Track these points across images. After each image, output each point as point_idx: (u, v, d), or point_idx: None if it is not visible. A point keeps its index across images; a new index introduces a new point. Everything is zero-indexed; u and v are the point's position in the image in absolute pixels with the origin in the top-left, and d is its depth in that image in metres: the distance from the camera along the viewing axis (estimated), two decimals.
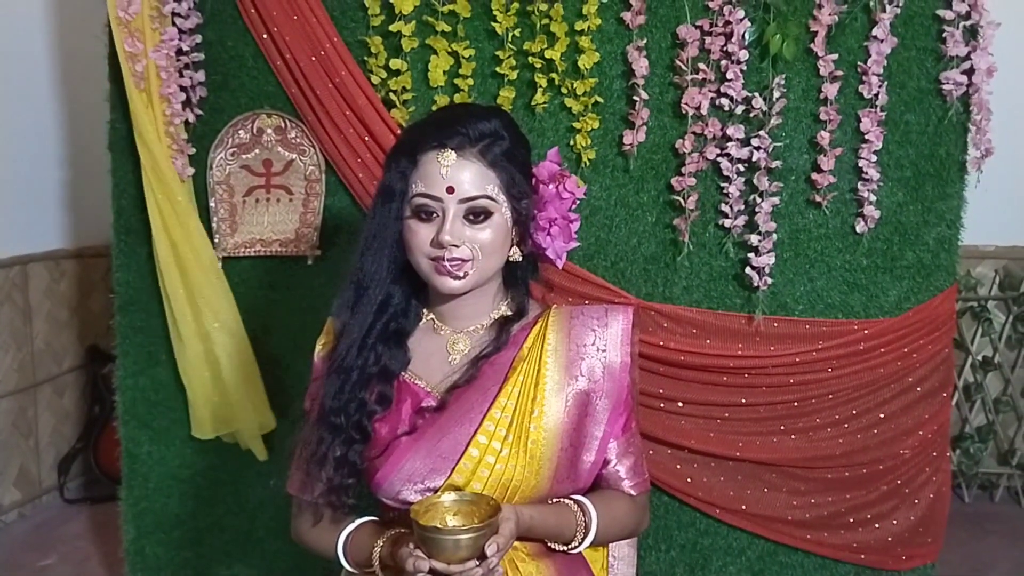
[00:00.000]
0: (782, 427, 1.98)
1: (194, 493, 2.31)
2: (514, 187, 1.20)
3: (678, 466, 2.02)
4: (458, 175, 1.17)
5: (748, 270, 1.90)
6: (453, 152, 1.17)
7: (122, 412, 2.30)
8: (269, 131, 2.10)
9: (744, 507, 2.01)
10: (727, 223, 1.90)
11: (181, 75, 2.04)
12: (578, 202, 1.27)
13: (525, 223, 1.23)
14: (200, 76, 2.06)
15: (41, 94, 3.22)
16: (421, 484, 1.19)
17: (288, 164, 2.10)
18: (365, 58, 1.99)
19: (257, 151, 2.11)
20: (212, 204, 2.12)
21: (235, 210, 2.13)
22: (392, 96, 1.98)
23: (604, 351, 1.25)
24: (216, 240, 2.12)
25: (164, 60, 2.01)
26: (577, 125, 1.93)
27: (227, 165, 2.12)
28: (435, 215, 1.19)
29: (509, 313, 1.28)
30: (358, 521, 1.25)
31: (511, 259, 1.25)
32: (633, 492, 1.29)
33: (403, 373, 1.26)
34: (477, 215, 1.18)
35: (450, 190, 1.16)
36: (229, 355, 2.09)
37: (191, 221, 2.07)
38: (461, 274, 1.18)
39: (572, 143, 1.95)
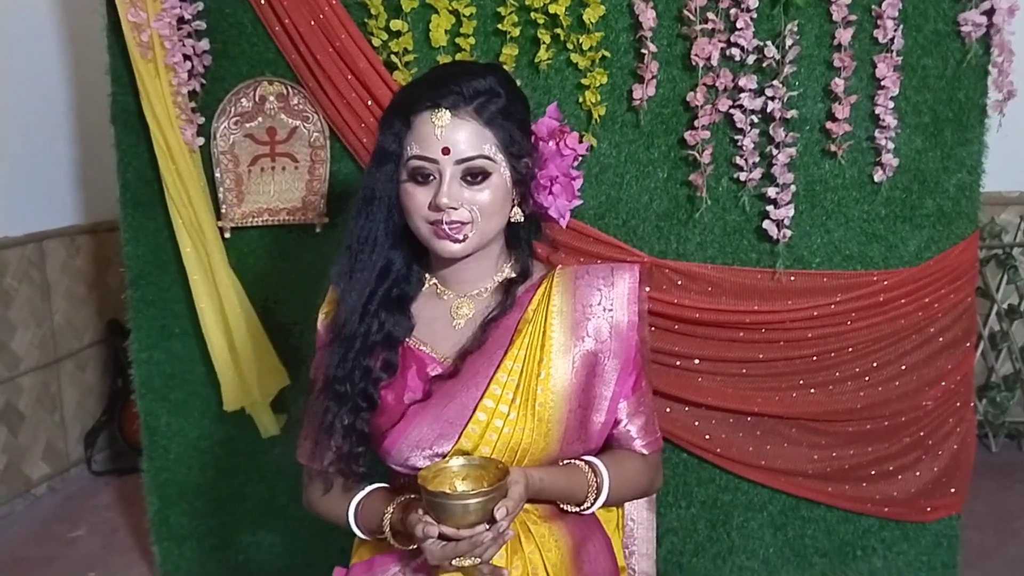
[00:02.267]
0: (801, 382, 1.95)
1: (214, 463, 2.32)
2: (512, 145, 1.17)
3: (696, 423, 2.00)
4: (453, 135, 1.14)
5: (766, 223, 1.86)
6: (447, 111, 1.14)
7: (139, 385, 2.31)
8: (271, 98, 2.07)
9: (764, 462, 1.99)
10: (742, 176, 1.86)
11: (184, 44, 2.01)
12: (580, 158, 1.24)
13: (526, 182, 1.20)
14: (204, 44, 2.03)
15: (50, 70, 3.20)
16: (429, 450, 1.18)
17: (292, 131, 2.08)
18: (365, 20, 1.95)
19: (260, 119, 2.08)
20: (217, 174, 2.10)
21: (241, 180, 2.11)
22: (394, 58, 1.94)
23: (611, 311, 1.22)
24: (223, 211, 2.10)
25: (167, 29, 1.98)
26: (585, 81, 1.88)
27: (231, 134, 2.09)
28: (432, 177, 1.16)
29: (513, 275, 1.25)
30: (368, 488, 1.24)
31: (513, 220, 1.22)
32: (645, 451, 1.27)
33: (408, 339, 1.24)
34: (475, 176, 1.15)
35: (446, 151, 1.13)
36: (239, 326, 2.09)
37: (200, 192, 2.05)
38: (460, 237, 1.15)
39: (580, 100, 1.90)
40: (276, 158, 2.10)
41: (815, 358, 1.93)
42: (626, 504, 1.38)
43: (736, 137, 1.84)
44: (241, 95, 2.08)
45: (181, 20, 2.00)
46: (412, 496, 1.16)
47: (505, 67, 1.87)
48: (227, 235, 2.12)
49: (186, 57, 2.00)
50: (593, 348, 1.21)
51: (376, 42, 1.94)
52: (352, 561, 1.28)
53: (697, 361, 1.96)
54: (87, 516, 3.03)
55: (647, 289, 1.89)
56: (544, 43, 1.87)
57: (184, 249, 2.07)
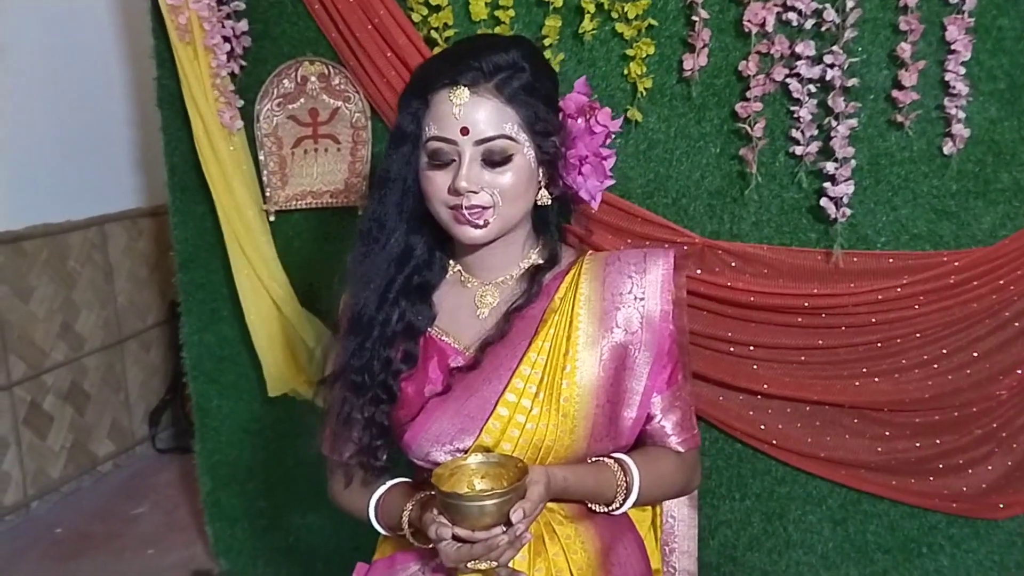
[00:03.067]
0: (864, 369, 1.83)
1: (264, 445, 2.33)
2: (537, 123, 1.09)
3: (751, 412, 1.91)
4: (472, 114, 1.07)
5: (824, 201, 1.74)
6: (466, 89, 1.07)
7: (190, 368, 2.33)
8: (313, 79, 2.04)
9: (823, 454, 1.88)
10: (799, 151, 1.74)
11: (223, 25, 1.99)
12: (613, 136, 1.15)
13: (553, 163, 1.12)
14: (243, 26, 2.01)
15: (110, 55, 3.25)
16: (450, 445, 1.13)
17: (334, 112, 2.04)
18: None
19: (303, 100, 2.05)
20: (262, 157, 2.08)
21: (284, 163, 2.08)
22: (434, 34, 1.87)
23: (642, 299, 1.14)
24: (268, 194, 2.09)
25: (206, 11, 1.97)
26: (630, 52, 1.79)
27: (274, 116, 2.07)
28: (451, 160, 1.10)
29: (540, 261, 1.19)
30: (390, 483, 1.20)
31: (540, 203, 1.15)
32: (680, 449, 1.19)
33: (429, 329, 1.19)
34: (496, 157, 1.08)
35: (464, 131, 1.07)
36: (280, 312, 2.08)
37: (240, 176, 2.04)
38: (481, 223, 1.09)
39: (626, 72, 1.81)
40: (319, 140, 2.07)
41: (879, 344, 1.80)
42: (667, 501, 1.31)
43: (792, 108, 1.73)
44: (283, 76, 2.05)
45: (220, 1, 1.98)
46: (431, 493, 1.11)
47: (547, 40, 1.79)
48: (272, 218, 2.11)
49: (225, 39, 1.98)
50: (623, 340, 1.14)
51: (416, 17, 1.89)
52: (375, 557, 1.24)
53: (752, 348, 1.86)
54: (150, 493, 3.10)
55: (698, 271, 1.82)
56: (588, 13, 1.78)
57: (226, 233, 2.07)
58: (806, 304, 1.79)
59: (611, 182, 1.17)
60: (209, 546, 2.47)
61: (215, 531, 2.44)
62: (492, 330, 1.15)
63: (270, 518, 2.36)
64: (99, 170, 3.26)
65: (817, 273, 1.80)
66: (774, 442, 1.90)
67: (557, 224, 1.21)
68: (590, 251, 1.24)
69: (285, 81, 2.05)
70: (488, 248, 1.16)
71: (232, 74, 2.02)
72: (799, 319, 1.82)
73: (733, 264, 1.84)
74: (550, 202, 1.15)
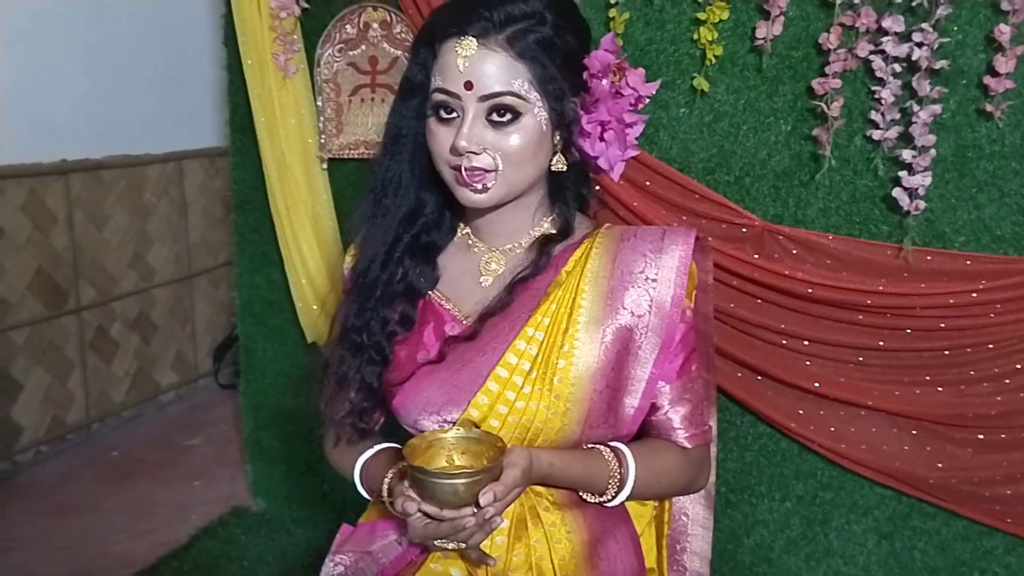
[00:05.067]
0: (927, 377, 1.69)
1: (305, 391, 2.31)
2: (550, 83, 1.01)
3: (801, 411, 1.79)
4: (478, 68, 0.99)
5: (897, 191, 1.60)
6: (474, 40, 0.99)
7: (239, 309, 2.36)
8: (375, 25, 1.98)
9: (876, 463, 1.76)
10: (877, 135, 1.60)
11: None
12: (646, 101, 1.06)
13: (569, 126, 1.04)
14: None
15: None
16: (437, 415, 1.07)
17: (393, 62, 1.99)
18: None
19: (363, 47, 2.01)
20: (319, 103, 2.05)
21: (341, 110, 2.05)
22: None
23: (654, 281, 1.05)
24: (322, 141, 2.06)
25: None
26: (702, 16, 1.67)
27: (334, 62, 2.03)
28: (455, 115, 1.02)
29: (552, 231, 1.11)
30: (376, 448, 1.16)
31: (554, 169, 1.06)
32: (687, 444, 1.10)
33: (430, 292, 1.13)
34: (502, 115, 1.00)
35: (468, 85, 0.99)
36: (318, 263, 2.06)
37: (292, 121, 2.01)
38: (479, 187, 1.02)
39: (695, 37, 1.69)
40: (376, 89, 2.02)
41: (947, 352, 1.66)
42: (680, 498, 1.23)
43: (874, 88, 1.58)
44: (346, 21, 2.01)
45: None
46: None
47: None
48: (324, 166, 2.08)
49: None
50: (628, 322, 1.05)
51: None
52: (360, 520, 1.21)
53: (806, 342, 1.74)
54: (206, 427, 3.18)
55: (755, 256, 1.71)
56: None
57: (267, 177, 2.05)
58: (870, 301, 1.66)
59: (634, 152, 1.07)
60: (248, 484, 2.52)
61: (254, 470, 2.48)
62: (494, 300, 1.08)
63: (307, 463, 2.38)
64: (181, 106, 3.31)
65: (885, 269, 1.67)
66: (824, 444, 1.78)
67: (575, 193, 1.12)
68: (607, 224, 1.15)
69: (348, 27, 2.01)
70: (496, 212, 1.09)
71: (293, 17, 1.99)
72: (860, 317, 1.69)
73: (794, 251, 1.72)
74: (565, 168, 1.07)
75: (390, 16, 1.96)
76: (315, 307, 2.10)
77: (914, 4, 1.51)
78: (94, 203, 2.99)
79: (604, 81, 1.00)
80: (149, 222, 3.22)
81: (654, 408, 1.09)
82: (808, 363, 1.76)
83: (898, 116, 1.58)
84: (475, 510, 0.92)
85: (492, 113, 1.01)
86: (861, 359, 1.72)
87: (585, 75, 1.03)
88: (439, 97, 1.02)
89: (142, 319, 3.23)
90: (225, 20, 2.13)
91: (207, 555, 2.29)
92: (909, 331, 1.67)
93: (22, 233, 2.75)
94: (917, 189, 1.57)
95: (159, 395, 3.34)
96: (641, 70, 1.03)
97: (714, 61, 1.69)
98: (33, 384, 2.83)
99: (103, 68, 3.02)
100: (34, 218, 2.78)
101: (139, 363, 3.23)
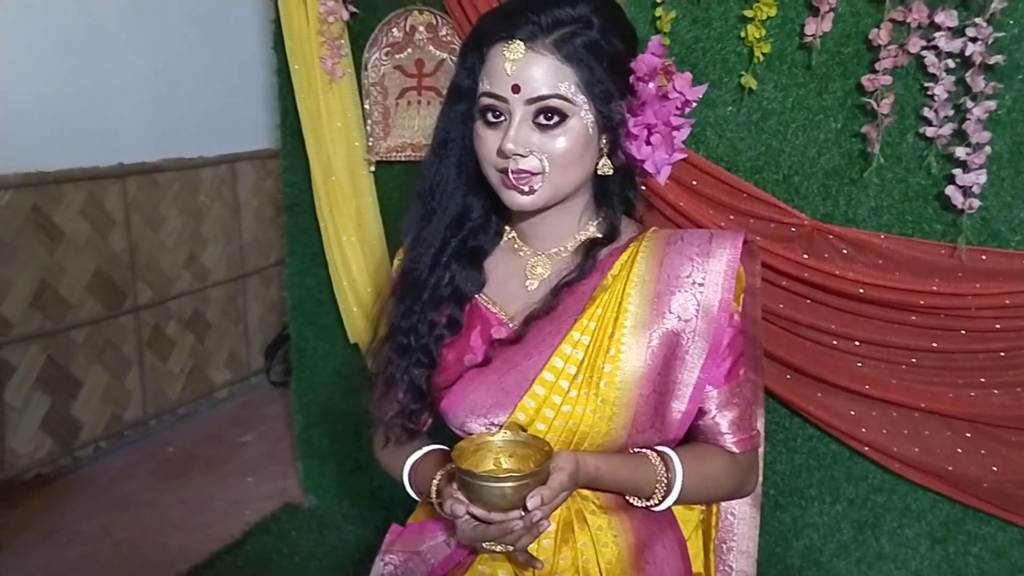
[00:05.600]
0: (982, 379, 1.65)
1: (354, 389, 2.36)
2: (597, 86, 1.00)
3: (852, 412, 1.76)
4: (526, 71, 0.99)
5: (950, 189, 1.56)
6: (522, 44, 1.00)
7: (291, 309, 2.40)
8: (421, 29, 2.00)
9: (929, 466, 1.72)
10: (930, 132, 1.57)
11: None
12: (693, 105, 1.05)
13: (616, 130, 1.04)
14: None
15: None
16: (484, 418, 1.08)
17: (439, 64, 2.00)
18: None
19: (410, 51, 2.03)
20: (366, 107, 2.08)
21: (388, 113, 2.07)
22: None
23: (701, 286, 1.05)
24: (370, 144, 2.09)
25: None
26: (749, 13, 1.65)
27: (381, 66, 2.06)
28: (503, 118, 1.03)
29: (598, 235, 1.11)
30: (426, 449, 1.17)
31: (601, 172, 1.07)
32: (735, 449, 1.10)
33: (477, 296, 1.14)
34: (549, 118, 1.01)
35: (515, 88, 1.00)
36: (361, 265, 2.09)
37: (338, 125, 2.04)
38: (526, 188, 1.02)
39: (743, 34, 1.68)
40: (422, 92, 2.04)
41: (1002, 354, 1.62)
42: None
43: (926, 85, 1.55)
44: (393, 24, 2.03)
45: None
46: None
47: None
48: (372, 168, 2.11)
49: None
50: (675, 327, 1.05)
51: None
52: (409, 520, 1.22)
53: (857, 343, 1.71)
54: (258, 423, 3.25)
55: (804, 256, 1.68)
56: None
57: (313, 180, 2.09)
58: (923, 302, 1.63)
59: (681, 156, 1.06)
60: (299, 481, 2.56)
61: (305, 467, 2.53)
62: (539, 303, 1.08)
63: (356, 460, 2.41)
64: (233, 110, 3.38)
65: (939, 269, 1.63)
66: (876, 446, 1.75)
67: (621, 196, 1.12)
68: (653, 228, 1.15)
69: (394, 30, 2.03)
70: (541, 216, 1.09)
71: (341, 21, 2.01)
72: (913, 317, 1.65)
73: (845, 251, 1.69)
74: (612, 172, 1.07)
75: (436, 19, 1.98)
76: (356, 309, 2.13)
77: None
78: (150, 205, 3.07)
79: (651, 84, 1.00)
80: (203, 223, 3.30)
81: (701, 412, 1.09)
82: (859, 364, 1.73)
83: (951, 113, 1.54)
84: (522, 513, 0.93)
85: (539, 116, 1.01)
86: (914, 360, 1.69)
87: (632, 78, 1.03)
88: (486, 101, 1.03)
89: (197, 318, 3.31)
90: (275, 26, 2.17)
91: (260, 550, 2.34)
92: (963, 332, 1.63)
93: (81, 235, 2.84)
94: (972, 187, 1.53)
95: (213, 392, 3.42)
96: (688, 74, 1.02)
97: (762, 59, 1.67)
98: (92, 382, 2.92)
99: (159, 74, 3.10)
100: (93, 220, 2.87)
101: (194, 361, 3.31)
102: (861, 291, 1.66)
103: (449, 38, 1.98)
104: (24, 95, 2.69)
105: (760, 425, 1.21)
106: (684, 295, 1.05)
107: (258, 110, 3.48)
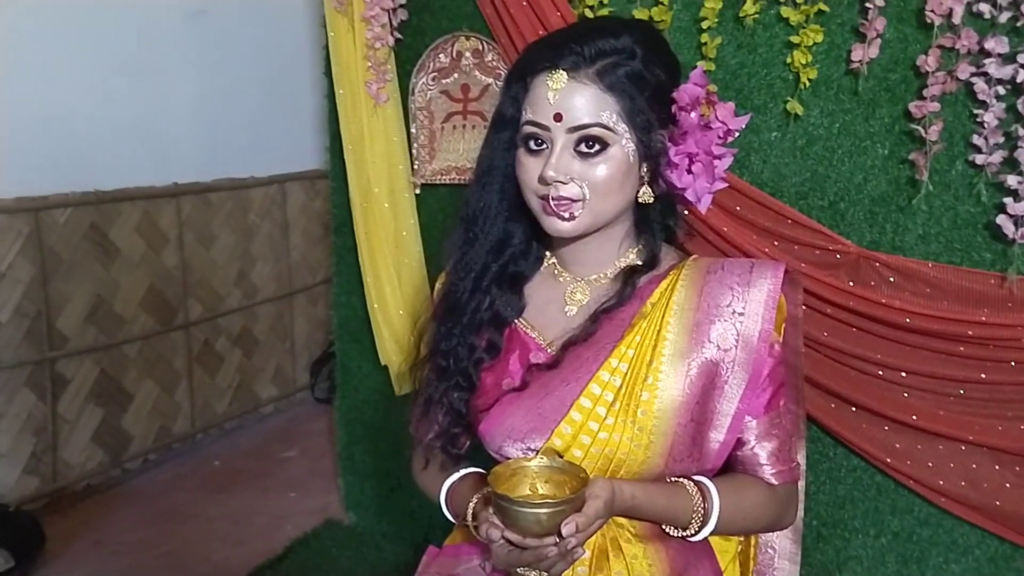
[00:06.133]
0: None
1: (397, 409, 2.39)
2: (638, 115, 1.01)
3: (897, 444, 1.73)
4: (568, 100, 1.01)
5: (1001, 218, 1.53)
6: (564, 74, 1.01)
7: (336, 327, 2.43)
8: (467, 54, 2.04)
9: (977, 500, 1.68)
10: (980, 159, 1.54)
11: None
12: (736, 135, 1.05)
13: (657, 158, 1.04)
14: None
15: (300, 23, 3.43)
16: (521, 443, 1.08)
17: (484, 89, 2.03)
18: None
19: (456, 76, 2.06)
20: (413, 130, 2.11)
21: (434, 137, 2.11)
22: (588, 12, 1.81)
23: (742, 315, 1.04)
24: (415, 167, 2.12)
25: None
26: (795, 39, 1.65)
27: (428, 90, 2.09)
28: (544, 146, 1.05)
29: (638, 262, 1.11)
30: (463, 472, 1.18)
31: (641, 200, 1.07)
32: (774, 481, 1.08)
33: (516, 321, 1.15)
34: (590, 147, 1.02)
35: (558, 117, 1.01)
36: (395, 289, 2.12)
37: (379, 148, 2.08)
38: (567, 215, 1.03)
39: (789, 60, 1.67)
40: (468, 116, 2.07)
41: None
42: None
43: (976, 111, 1.53)
44: (439, 50, 2.07)
45: None
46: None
47: (706, 22, 1.69)
48: (417, 191, 2.14)
49: (384, 10, 2.01)
50: (714, 356, 1.05)
51: None
52: (445, 542, 1.23)
53: (904, 374, 1.68)
54: (302, 439, 3.29)
55: (850, 283, 1.66)
56: None
57: (352, 202, 2.13)
58: (971, 332, 1.60)
59: (723, 185, 1.07)
60: (340, 498, 2.59)
61: (347, 484, 2.55)
62: (578, 329, 1.09)
63: (397, 478, 2.43)
64: (284, 131, 3.45)
65: (988, 299, 1.60)
66: (922, 479, 1.71)
67: (662, 224, 1.13)
68: (694, 256, 1.15)
69: (441, 55, 2.07)
70: (582, 242, 1.10)
71: (387, 47, 2.05)
72: (961, 348, 1.62)
73: (891, 279, 1.67)
74: (652, 200, 1.08)
75: (482, 44, 2.01)
76: (386, 333, 2.16)
77: (1019, 24, 1.46)
78: (203, 223, 3.15)
79: (693, 114, 1.01)
80: (253, 242, 3.37)
81: (740, 443, 1.08)
82: (906, 395, 1.70)
83: (1002, 140, 1.52)
84: (557, 540, 0.93)
85: (580, 144, 1.02)
86: (962, 392, 1.65)
87: (674, 108, 1.04)
88: (529, 129, 1.05)
89: (245, 334, 3.37)
90: (326, 51, 2.21)
91: (300, 566, 2.36)
92: (1013, 364, 1.59)
93: (136, 252, 2.92)
94: (1023, 216, 1.50)
95: (259, 407, 3.48)
96: (731, 104, 1.03)
97: (808, 84, 1.66)
98: (143, 395, 2.99)
99: (213, 98, 3.18)
100: (147, 238, 2.95)
101: (241, 376, 3.37)
102: (908, 320, 1.63)
103: (494, 63, 2.01)
104: (85, 117, 2.79)
105: (801, 457, 1.20)
106: (724, 324, 1.05)
107: (308, 131, 3.56)
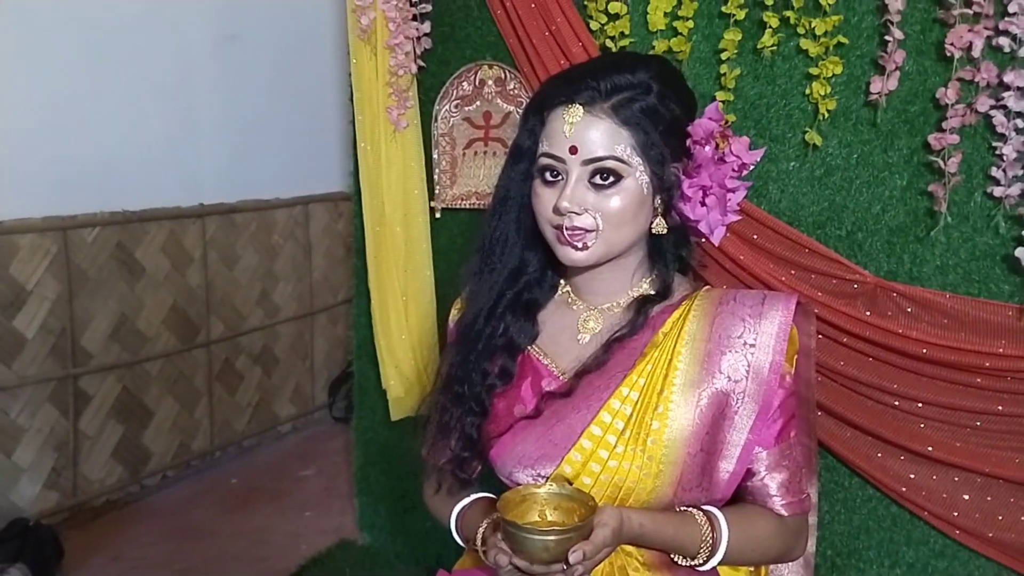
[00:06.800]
0: None
1: (413, 431, 2.39)
2: (652, 149, 1.04)
3: (912, 475, 1.72)
4: (584, 133, 1.04)
5: (1020, 251, 1.54)
6: (581, 108, 1.04)
7: (355, 348, 2.46)
8: (490, 83, 2.07)
9: (991, 533, 1.67)
10: (998, 192, 1.55)
11: (407, 26, 2.07)
12: (750, 168, 1.07)
13: (670, 191, 1.06)
14: (426, 27, 2.08)
15: (326, 48, 3.49)
16: (531, 469, 1.10)
17: (506, 117, 2.07)
18: (585, 3, 1.87)
19: (478, 103, 2.09)
20: (435, 156, 2.15)
21: (455, 162, 2.14)
22: (609, 43, 1.84)
23: (752, 347, 1.05)
24: (436, 191, 2.15)
25: (394, 11, 2.05)
26: (814, 71, 1.66)
27: (451, 117, 2.13)
28: (560, 177, 1.07)
29: (651, 292, 1.13)
30: (474, 497, 1.20)
31: (655, 231, 1.09)
32: (784, 512, 1.09)
33: (529, 348, 1.17)
34: (604, 178, 1.04)
35: (573, 150, 1.04)
36: (399, 315, 2.15)
37: (396, 173, 2.11)
38: (580, 245, 1.05)
39: (808, 91, 1.69)
40: (489, 143, 2.10)
41: None
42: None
43: (995, 144, 1.53)
44: (463, 78, 2.11)
45: (410, 2, 2.05)
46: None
47: (725, 54, 1.71)
48: (438, 215, 2.17)
49: (408, 39, 2.05)
50: (724, 387, 1.06)
51: (594, 26, 1.86)
52: (455, 566, 1.24)
53: (920, 404, 1.68)
54: (319, 458, 3.31)
55: (867, 313, 1.67)
56: (771, 27, 1.68)
57: (365, 226, 2.16)
58: (989, 364, 1.59)
59: (736, 218, 1.08)
60: (355, 518, 2.60)
61: (361, 505, 2.56)
62: (590, 357, 1.11)
63: (412, 500, 2.44)
64: (308, 154, 3.51)
65: (1006, 330, 1.59)
66: (937, 511, 1.70)
67: (675, 255, 1.15)
68: (707, 287, 1.16)
69: (464, 83, 2.10)
70: (595, 271, 1.12)
71: (412, 76, 2.09)
72: (979, 379, 1.62)
73: (909, 310, 1.67)
74: (666, 231, 1.10)
75: (504, 73, 2.04)
76: (386, 357, 2.19)
77: None
78: (227, 244, 3.20)
79: (707, 148, 1.03)
80: (276, 262, 3.41)
81: (750, 474, 1.09)
82: (922, 426, 1.69)
83: (1020, 172, 1.52)
84: (564, 567, 0.94)
85: (595, 176, 1.05)
86: (979, 424, 1.65)
87: (688, 141, 1.06)
88: (545, 161, 1.07)
89: (265, 353, 3.41)
90: (350, 78, 2.26)
91: None
92: None
93: (161, 271, 2.97)
94: None
95: (277, 426, 3.50)
96: (746, 139, 1.05)
97: (827, 115, 1.68)
98: (163, 412, 3.03)
99: (239, 121, 3.25)
100: (172, 257, 3.00)
101: (260, 395, 3.40)
102: (925, 351, 1.63)
103: (516, 92, 2.04)
104: (115, 138, 2.85)
105: (812, 489, 1.20)
106: (735, 355, 1.06)
107: (333, 154, 3.61)
